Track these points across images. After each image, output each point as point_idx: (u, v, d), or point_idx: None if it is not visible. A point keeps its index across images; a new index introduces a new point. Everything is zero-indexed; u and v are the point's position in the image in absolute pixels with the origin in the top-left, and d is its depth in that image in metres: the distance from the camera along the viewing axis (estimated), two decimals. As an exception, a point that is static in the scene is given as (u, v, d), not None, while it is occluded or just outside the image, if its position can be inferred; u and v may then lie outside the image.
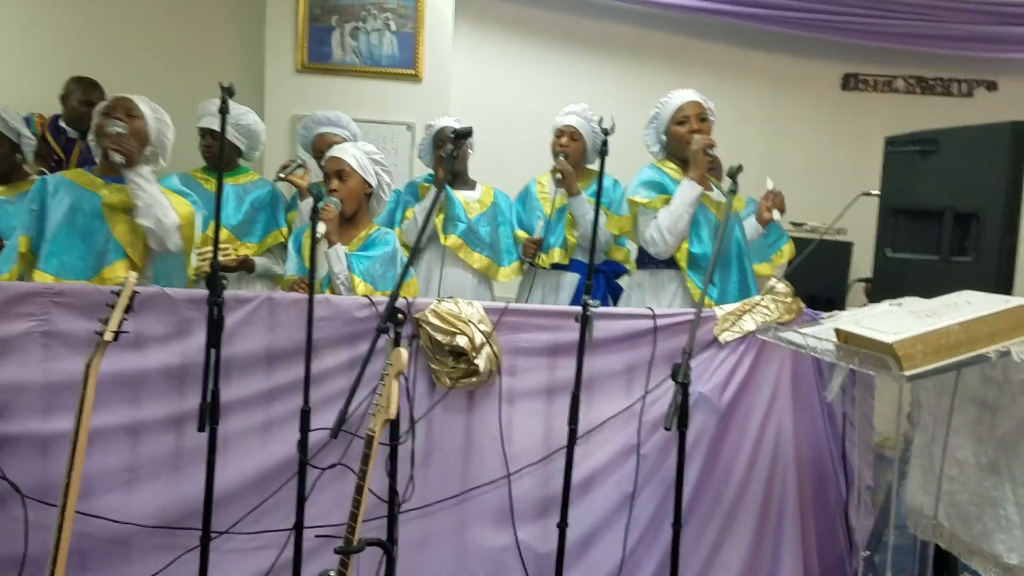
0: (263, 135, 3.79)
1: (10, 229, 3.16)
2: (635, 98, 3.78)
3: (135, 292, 2.19)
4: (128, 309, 2.15)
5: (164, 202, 2.86)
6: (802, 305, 2.79)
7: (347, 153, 2.98)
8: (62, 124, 4.07)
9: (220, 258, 3.22)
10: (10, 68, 4.46)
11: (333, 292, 2.89)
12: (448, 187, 3.65)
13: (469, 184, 3.84)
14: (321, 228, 2.69)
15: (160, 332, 2.59)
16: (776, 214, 3.26)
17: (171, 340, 2.60)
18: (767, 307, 2.74)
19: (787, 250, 3.74)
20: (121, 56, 4.58)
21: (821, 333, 2.13)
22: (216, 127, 3.56)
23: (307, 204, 3.39)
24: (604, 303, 3.53)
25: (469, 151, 3.82)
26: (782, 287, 2.78)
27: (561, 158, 3.61)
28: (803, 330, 2.20)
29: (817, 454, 2.82)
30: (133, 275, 2.22)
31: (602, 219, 3.31)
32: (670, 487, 2.61)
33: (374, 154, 3.05)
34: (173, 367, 2.59)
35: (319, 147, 3.60)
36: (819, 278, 3.47)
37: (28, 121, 3.75)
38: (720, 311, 2.75)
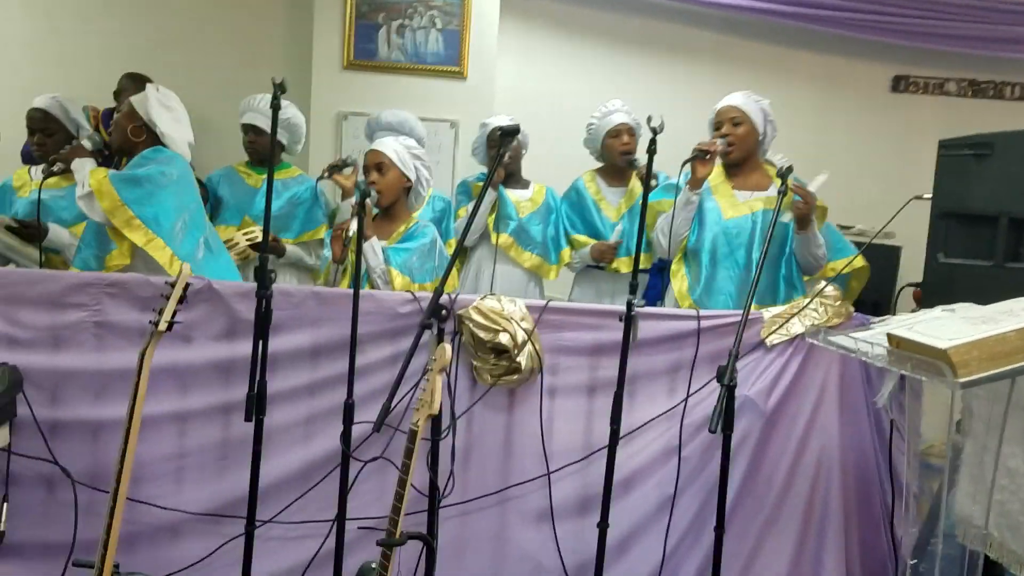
0: (303, 129, 3.85)
1: (62, 219, 3.24)
2: (682, 97, 3.75)
3: (188, 284, 2.22)
4: (181, 300, 2.19)
5: (82, 179, 2.81)
6: (851, 309, 2.75)
7: (387, 146, 3.01)
8: (117, 119, 4.16)
9: (244, 239, 3.29)
10: (67, 63, 4.56)
11: (372, 287, 2.91)
12: (500, 186, 3.65)
13: (522, 183, 3.84)
14: (354, 225, 2.71)
15: (208, 324, 2.63)
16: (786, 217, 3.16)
17: (219, 332, 2.64)
18: (816, 310, 2.71)
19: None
20: (172, 52, 4.66)
21: (872, 338, 2.10)
22: (259, 123, 3.65)
23: (347, 204, 3.42)
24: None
25: (523, 151, 3.81)
26: (831, 290, 2.74)
27: (636, 160, 3.54)
28: (854, 334, 2.16)
29: (862, 460, 2.78)
30: (187, 267, 2.25)
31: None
32: (712, 490, 2.58)
33: (414, 149, 3.06)
34: (221, 359, 2.63)
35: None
36: (867, 282, 3.40)
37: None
38: (767, 313, 2.72)
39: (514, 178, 3.81)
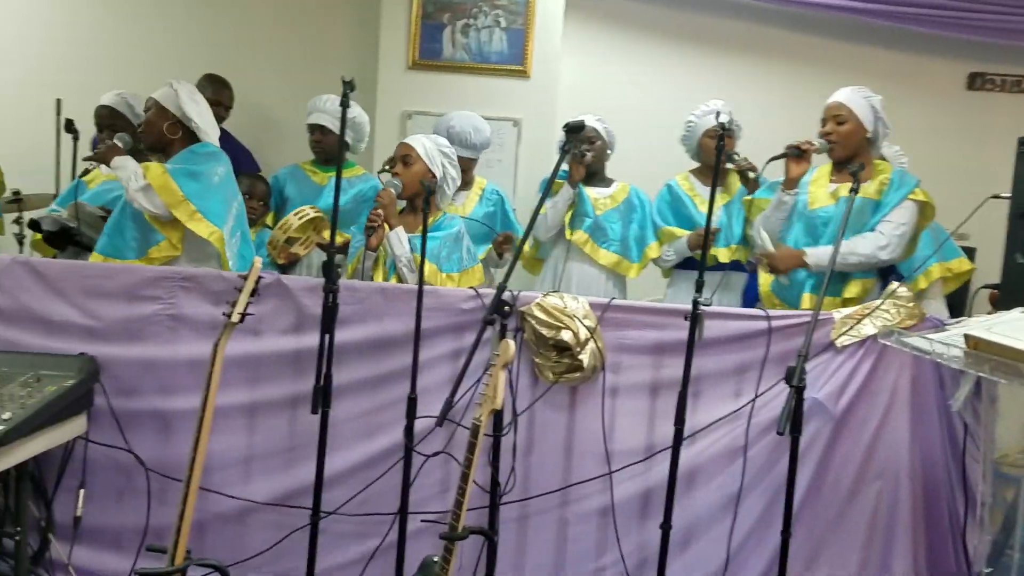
0: (367, 128, 3.92)
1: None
2: (752, 95, 3.67)
3: (260, 277, 2.27)
4: (253, 293, 2.24)
5: (131, 174, 2.88)
6: (924, 310, 2.68)
7: (416, 141, 3.04)
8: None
9: (296, 219, 3.33)
10: (140, 65, 4.70)
11: (398, 278, 2.92)
12: (580, 184, 3.59)
13: (605, 181, 3.77)
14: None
15: (276, 318, 2.68)
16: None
17: (287, 326, 2.68)
18: (888, 311, 2.63)
19: (934, 271, 3.40)
20: (243, 53, 4.77)
21: (948, 339, 2.04)
22: (325, 123, 3.71)
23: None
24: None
25: (608, 151, 3.75)
26: (904, 291, 2.67)
27: (736, 154, 3.46)
28: (929, 335, 2.10)
29: (933, 466, 2.71)
30: (258, 260, 2.30)
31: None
32: (777, 492, 2.54)
33: (444, 147, 3.08)
34: (288, 352, 2.68)
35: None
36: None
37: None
38: (837, 314, 2.66)
39: (597, 176, 3.74)
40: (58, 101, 4.12)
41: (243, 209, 3.13)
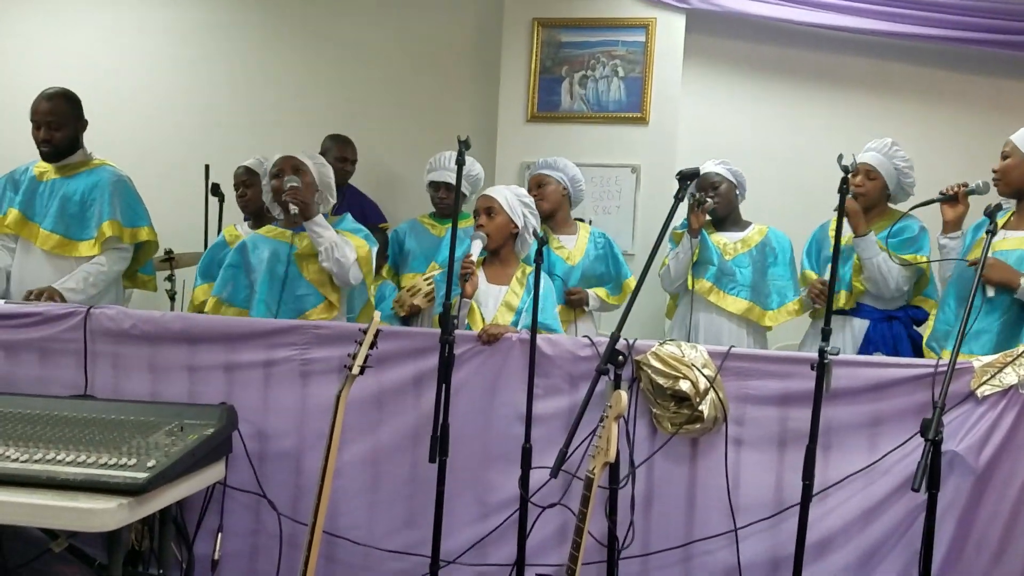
0: (482, 180, 4.06)
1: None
2: (877, 133, 3.51)
3: (379, 330, 2.36)
4: (373, 345, 2.32)
5: (340, 243, 3.07)
6: (1076, 357, 2.46)
7: (498, 192, 3.10)
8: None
9: (425, 284, 3.46)
10: (275, 127, 5.02)
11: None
12: (703, 231, 3.51)
13: (740, 225, 3.65)
14: (476, 252, 2.91)
15: (397, 368, 2.76)
16: None
17: (406, 374, 2.76)
18: (1033, 359, 2.44)
19: None
20: (368, 114, 5.02)
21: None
22: (447, 180, 3.81)
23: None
24: (898, 352, 3.21)
25: (736, 192, 3.63)
26: (1051, 337, 2.47)
27: (850, 197, 3.36)
28: (1080, 386, 1.93)
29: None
30: (378, 314, 2.40)
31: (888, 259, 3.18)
32: (915, 553, 2.38)
33: (524, 197, 3.13)
34: (408, 399, 2.76)
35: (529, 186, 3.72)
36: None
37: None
38: (978, 363, 2.49)
39: (730, 219, 3.64)
40: (206, 167, 4.45)
41: None
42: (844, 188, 2.50)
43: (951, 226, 3.05)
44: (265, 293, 3.11)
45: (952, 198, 3.02)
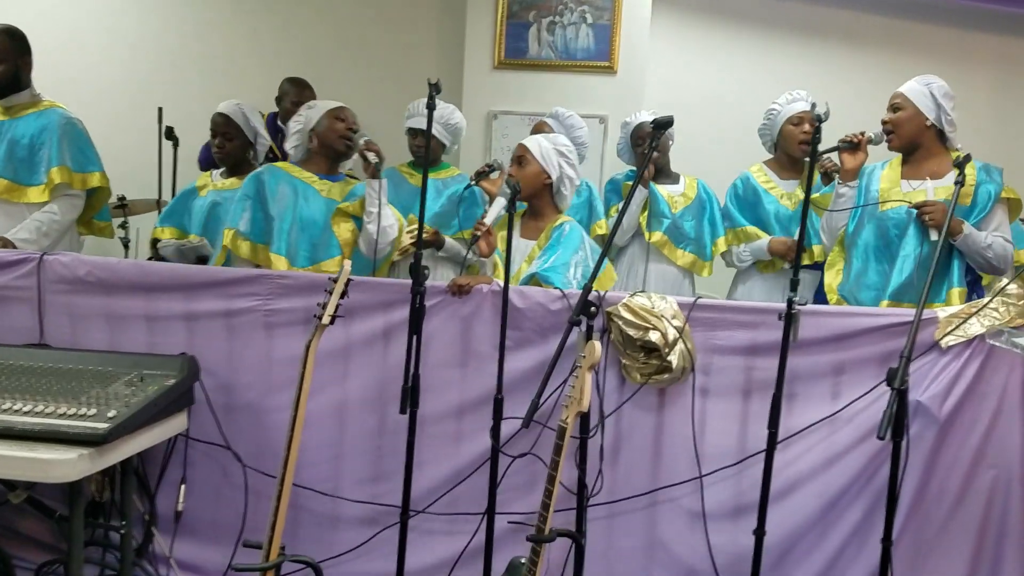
0: (464, 130, 3.93)
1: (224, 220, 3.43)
2: (848, 86, 3.52)
3: (349, 279, 2.31)
4: (343, 295, 2.28)
5: (390, 215, 3.04)
6: (1037, 309, 2.51)
7: (532, 142, 2.98)
8: (279, 123, 4.38)
9: (408, 238, 3.39)
10: (231, 71, 4.87)
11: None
12: (652, 183, 3.59)
13: (672, 177, 3.77)
14: (489, 217, 2.75)
15: (366, 318, 2.71)
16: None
17: (375, 326, 2.72)
18: (996, 310, 2.49)
19: None
20: (330, 58, 4.88)
21: (1066, 340, 1.90)
22: (423, 127, 3.71)
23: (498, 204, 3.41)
24: None
25: (670, 143, 3.73)
26: (1014, 288, 2.51)
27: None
28: (1044, 336, 1.97)
29: (1048, 475, 2.54)
30: (348, 263, 2.34)
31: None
32: (878, 500, 2.44)
33: (561, 146, 3.00)
34: (376, 351, 2.72)
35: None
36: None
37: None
38: (942, 313, 2.53)
39: (663, 172, 3.74)
40: (159, 109, 4.30)
41: None
42: (816, 139, 2.50)
43: (850, 174, 3.02)
44: (288, 232, 3.01)
45: (855, 145, 2.99)
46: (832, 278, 3.06)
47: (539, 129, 3.64)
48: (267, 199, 3.03)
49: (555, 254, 2.83)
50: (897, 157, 3.03)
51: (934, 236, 2.79)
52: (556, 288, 2.67)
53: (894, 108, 2.96)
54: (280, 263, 2.96)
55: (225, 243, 3.03)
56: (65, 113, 3.39)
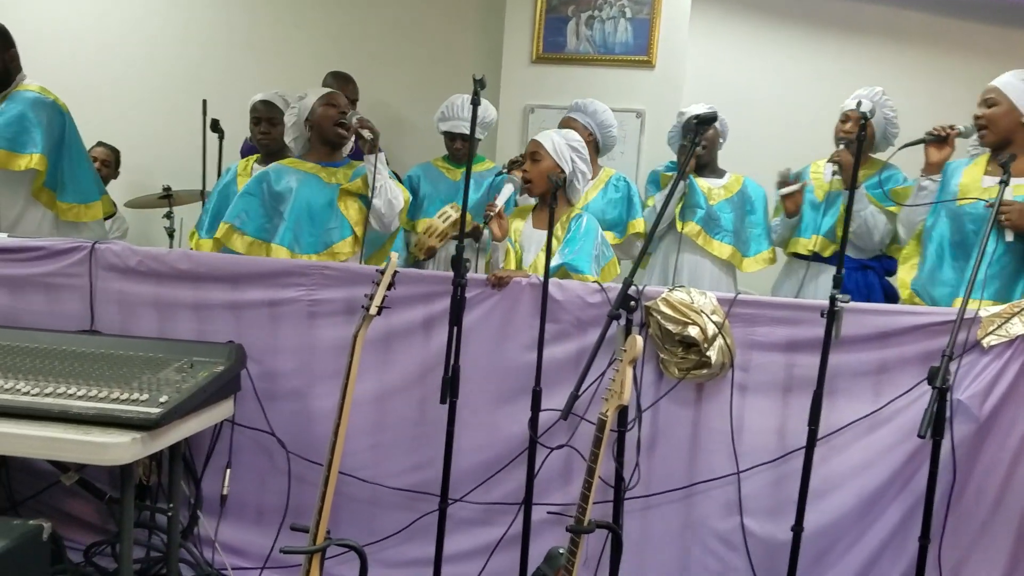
0: (494, 122, 4.00)
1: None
2: (889, 82, 3.48)
3: (396, 271, 2.35)
4: (390, 287, 2.32)
5: (394, 187, 3.08)
6: (1082, 309, 2.49)
7: (545, 137, 3.04)
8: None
9: (441, 223, 3.43)
10: (275, 65, 4.93)
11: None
12: (690, 175, 3.59)
13: (717, 172, 3.75)
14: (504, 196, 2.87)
15: (406, 309, 2.76)
16: None
17: (416, 317, 2.76)
18: (1041, 310, 2.47)
19: None
20: (372, 53, 4.92)
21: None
22: (463, 131, 3.71)
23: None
24: (865, 299, 3.27)
25: (720, 140, 3.74)
26: (1060, 288, 2.49)
27: (842, 146, 3.39)
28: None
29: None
30: (395, 255, 2.38)
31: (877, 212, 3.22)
32: (917, 499, 2.43)
33: (573, 141, 3.05)
34: (417, 341, 2.77)
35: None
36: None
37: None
38: (984, 312, 2.51)
39: (709, 167, 3.72)
40: (204, 102, 4.36)
41: None
42: (861, 136, 2.49)
43: (935, 168, 2.97)
44: (293, 222, 3.05)
45: (942, 139, 2.95)
46: (906, 273, 3.03)
47: (567, 126, 3.64)
48: (272, 196, 3.07)
49: (578, 244, 2.91)
50: (985, 154, 2.96)
51: (1009, 237, 2.72)
52: (585, 275, 2.73)
53: (987, 103, 2.85)
54: (281, 253, 3.00)
55: (218, 236, 3.07)
56: (29, 93, 3.29)
